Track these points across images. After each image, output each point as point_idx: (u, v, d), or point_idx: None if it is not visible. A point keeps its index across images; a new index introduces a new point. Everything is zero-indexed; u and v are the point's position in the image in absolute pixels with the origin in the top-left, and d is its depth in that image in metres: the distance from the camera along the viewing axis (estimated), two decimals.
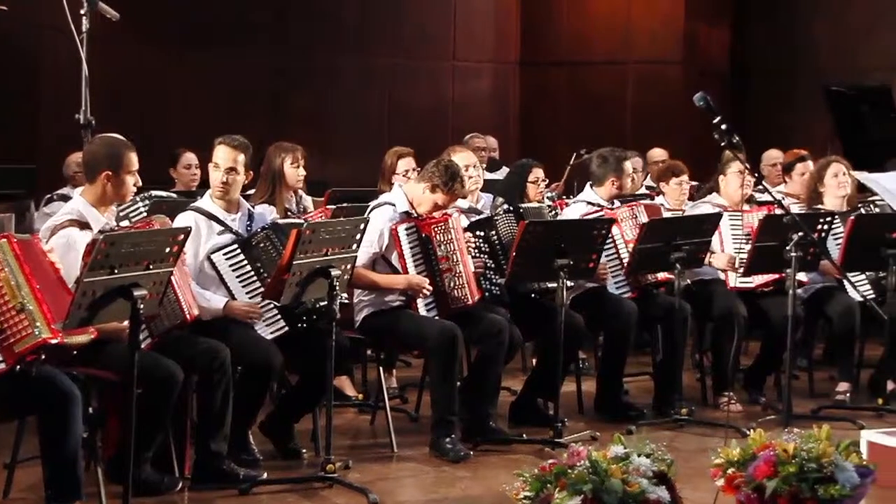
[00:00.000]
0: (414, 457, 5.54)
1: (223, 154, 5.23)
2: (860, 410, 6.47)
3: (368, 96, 11.53)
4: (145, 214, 5.56)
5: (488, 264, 5.97)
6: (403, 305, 5.62)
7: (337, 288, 4.85)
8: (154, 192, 6.09)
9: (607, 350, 6.55)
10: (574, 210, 6.63)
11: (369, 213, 5.64)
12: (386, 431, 5.69)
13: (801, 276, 6.57)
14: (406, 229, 5.58)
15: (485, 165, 8.17)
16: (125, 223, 5.10)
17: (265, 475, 4.96)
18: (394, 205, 5.67)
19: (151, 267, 4.07)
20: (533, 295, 6.18)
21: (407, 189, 5.77)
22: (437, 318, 5.59)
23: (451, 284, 5.61)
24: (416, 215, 5.66)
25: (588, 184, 6.71)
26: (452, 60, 11.83)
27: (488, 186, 6.91)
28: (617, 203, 6.61)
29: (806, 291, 6.74)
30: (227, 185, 5.21)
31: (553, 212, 6.91)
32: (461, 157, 6.19)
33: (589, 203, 6.56)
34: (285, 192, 6.34)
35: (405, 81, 11.73)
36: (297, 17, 11.26)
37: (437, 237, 5.60)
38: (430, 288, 5.55)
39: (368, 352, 6.71)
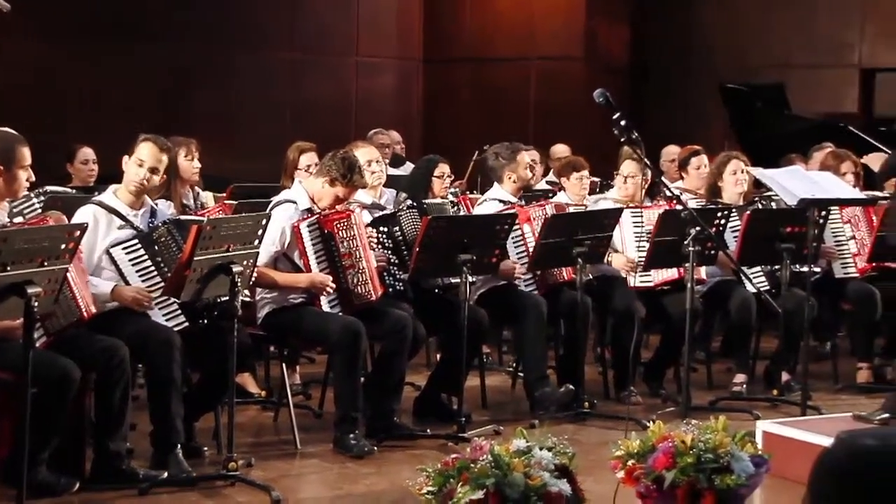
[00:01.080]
0: (317, 453, 5.50)
1: (149, 152, 5.15)
2: (756, 401, 6.61)
3: (271, 92, 11.44)
4: (40, 210, 5.45)
5: (391, 260, 5.97)
6: (306, 302, 5.59)
7: (238, 284, 4.80)
8: (49, 188, 5.97)
9: (518, 345, 6.61)
10: (486, 208, 6.66)
11: (270, 210, 5.59)
12: (289, 428, 5.65)
13: (702, 273, 6.71)
14: (308, 226, 5.54)
15: (388, 161, 8.17)
16: (19, 219, 4.98)
17: (165, 474, 4.88)
18: (295, 202, 5.62)
19: (46, 263, 3.98)
20: (437, 290, 6.19)
21: (306, 185, 5.74)
22: (340, 314, 5.56)
23: (355, 281, 5.59)
24: (318, 211, 5.62)
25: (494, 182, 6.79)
26: (356, 56, 11.80)
27: (392, 182, 6.90)
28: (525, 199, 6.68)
29: (704, 285, 6.86)
30: (146, 184, 5.15)
31: (456, 208, 6.93)
32: (363, 152, 6.18)
33: (500, 201, 6.61)
34: (181, 187, 6.26)
35: (308, 77, 11.66)
36: (198, 13, 11.13)
37: (340, 233, 5.57)
38: (334, 286, 5.52)
39: (271, 348, 6.66)
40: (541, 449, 3.67)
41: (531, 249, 6.38)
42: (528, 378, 6.41)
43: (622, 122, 5.40)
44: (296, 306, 5.59)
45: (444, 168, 6.77)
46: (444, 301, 6.12)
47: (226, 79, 11.26)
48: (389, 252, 5.96)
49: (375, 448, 5.46)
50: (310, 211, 5.62)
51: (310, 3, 11.63)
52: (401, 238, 6.02)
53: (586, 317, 6.37)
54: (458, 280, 5.72)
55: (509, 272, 6.34)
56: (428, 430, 5.78)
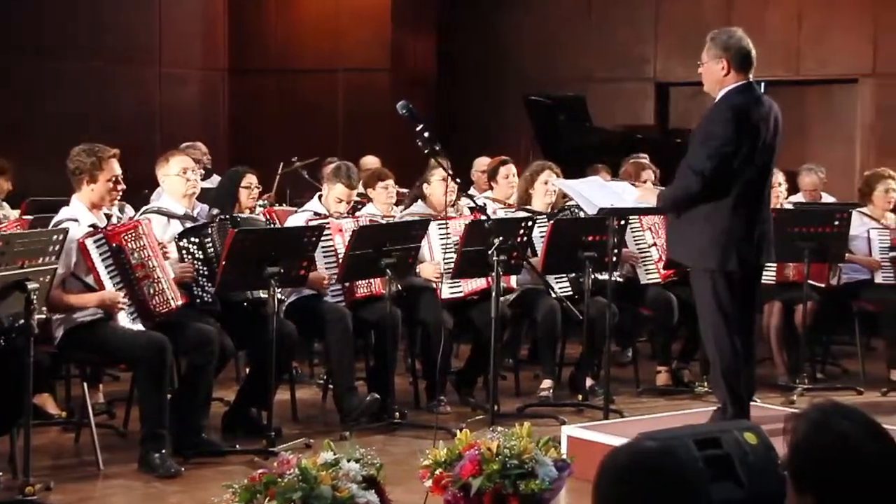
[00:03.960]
0: (122, 473, 5.35)
1: None
2: (562, 406, 6.77)
3: (72, 103, 11.07)
4: None
5: (201, 271, 5.86)
6: (104, 318, 5.43)
7: (35, 302, 4.63)
8: None
9: (326, 357, 6.59)
10: (296, 220, 6.65)
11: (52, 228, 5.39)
12: (92, 449, 5.48)
13: (512, 282, 6.84)
14: (95, 241, 5.35)
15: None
16: None
17: None
18: (76, 220, 5.43)
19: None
20: (245, 304, 6.11)
21: (80, 197, 5.55)
22: (143, 329, 5.43)
23: (150, 291, 5.45)
24: (102, 226, 5.46)
25: (318, 194, 6.78)
26: (159, 67, 11.54)
27: (199, 195, 6.79)
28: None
29: (513, 294, 6.98)
30: None
31: (267, 221, 6.87)
32: (177, 161, 6.07)
33: (315, 213, 6.62)
34: None
35: (110, 88, 11.34)
36: None
37: (129, 245, 5.41)
38: (126, 301, 5.37)
39: (73, 367, 6.44)
40: (348, 461, 3.67)
41: (340, 260, 6.40)
42: (336, 390, 6.40)
43: (426, 134, 5.46)
44: (94, 322, 5.42)
45: (250, 179, 6.69)
46: (252, 314, 6.05)
47: (24, 88, 10.86)
48: (200, 264, 5.85)
49: (182, 469, 5.34)
50: (94, 226, 5.44)
51: (112, 12, 11.32)
52: (212, 250, 5.92)
53: (395, 328, 6.41)
54: (267, 294, 5.67)
55: (319, 283, 6.32)
56: (237, 446, 5.70)
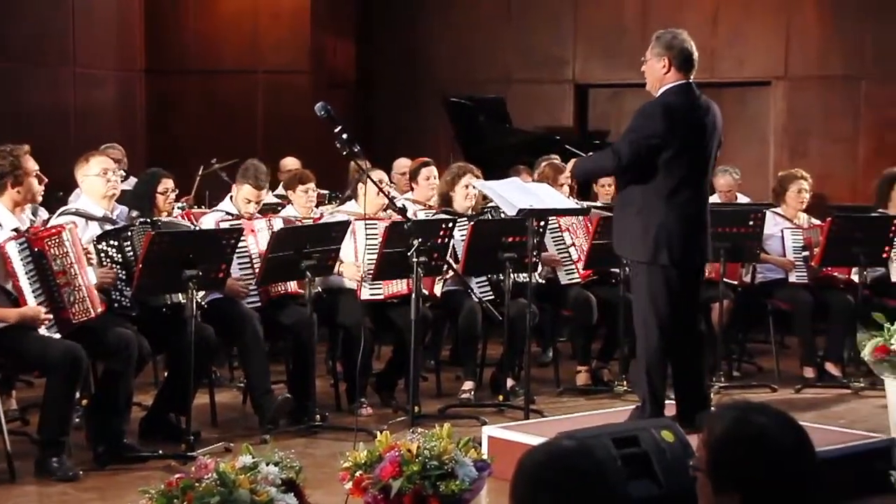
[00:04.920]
0: (36, 481, 5.26)
1: None
2: (483, 407, 6.79)
3: None
4: None
5: (120, 275, 5.77)
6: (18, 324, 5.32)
7: None
8: None
9: (241, 361, 6.55)
10: (209, 219, 6.60)
11: None
12: (4, 456, 5.37)
13: (436, 290, 6.86)
14: (18, 246, 5.27)
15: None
16: None
17: None
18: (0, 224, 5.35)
19: None
20: (164, 309, 6.03)
21: (2, 200, 5.44)
22: (59, 337, 5.34)
23: (71, 299, 5.37)
24: (25, 230, 5.37)
25: (229, 195, 6.73)
26: (73, 67, 11.34)
27: (119, 197, 6.70)
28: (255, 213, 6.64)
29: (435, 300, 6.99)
30: None
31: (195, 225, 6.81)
32: (97, 162, 5.99)
33: (227, 213, 6.57)
34: None
35: (24, 87, 11.11)
36: None
37: (52, 251, 5.32)
38: (50, 317, 5.29)
39: None
40: (267, 464, 3.64)
41: (255, 262, 6.35)
42: (252, 393, 6.37)
43: (344, 136, 5.45)
44: (9, 328, 5.31)
45: (167, 183, 6.59)
46: (170, 318, 5.98)
47: None
48: (118, 268, 5.76)
49: (80, 472, 5.27)
50: (16, 230, 5.35)
51: (23, 11, 11.09)
52: (131, 254, 5.82)
53: (313, 330, 6.37)
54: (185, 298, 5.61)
55: (236, 292, 6.29)
56: (160, 451, 5.64)
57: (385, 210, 6.85)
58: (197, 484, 3.49)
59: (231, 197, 6.76)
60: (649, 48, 5.49)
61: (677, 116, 5.32)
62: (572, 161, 5.79)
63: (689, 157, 5.35)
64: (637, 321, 5.49)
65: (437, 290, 6.93)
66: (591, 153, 5.76)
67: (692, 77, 5.46)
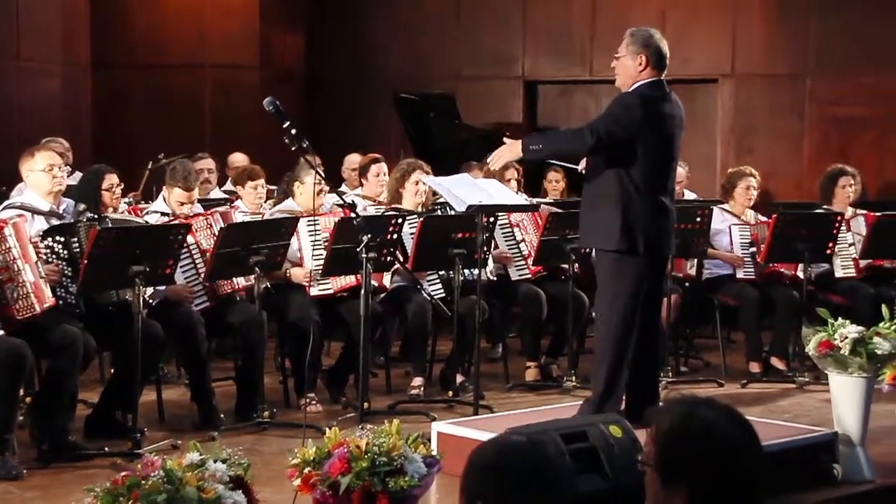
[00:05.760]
0: None
1: None
2: (433, 403, 6.79)
3: None
4: None
5: (66, 272, 5.69)
6: None
7: None
8: None
9: (184, 360, 6.52)
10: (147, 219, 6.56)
11: None
12: None
13: (385, 280, 6.84)
14: None
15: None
16: None
17: None
18: None
19: None
20: (111, 308, 5.97)
21: None
22: (3, 333, 5.27)
23: (14, 295, 5.29)
24: None
25: (161, 195, 6.69)
26: (17, 60, 11.18)
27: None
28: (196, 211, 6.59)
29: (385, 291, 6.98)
30: None
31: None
32: (44, 157, 5.89)
33: (161, 213, 6.54)
34: None
35: None
36: None
37: None
38: None
39: None
40: (215, 461, 3.61)
41: (196, 261, 6.31)
42: (194, 393, 6.34)
43: (293, 131, 5.42)
44: None
45: (112, 179, 6.52)
46: (117, 314, 5.92)
47: None
48: (65, 264, 5.69)
49: (25, 471, 5.20)
50: None
51: None
52: (78, 250, 5.75)
53: (262, 327, 6.34)
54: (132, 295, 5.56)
55: (181, 295, 6.25)
56: (106, 449, 5.58)
57: (321, 206, 6.85)
58: (143, 482, 3.45)
59: (164, 197, 6.70)
60: (623, 44, 5.50)
61: (654, 108, 5.37)
62: (517, 142, 5.65)
63: (664, 148, 5.42)
64: (601, 313, 5.49)
65: (387, 281, 6.91)
66: (547, 131, 5.73)
67: (664, 76, 5.51)
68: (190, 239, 6.27)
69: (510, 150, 5.59)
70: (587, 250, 6.76)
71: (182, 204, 6.53)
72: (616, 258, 5.38)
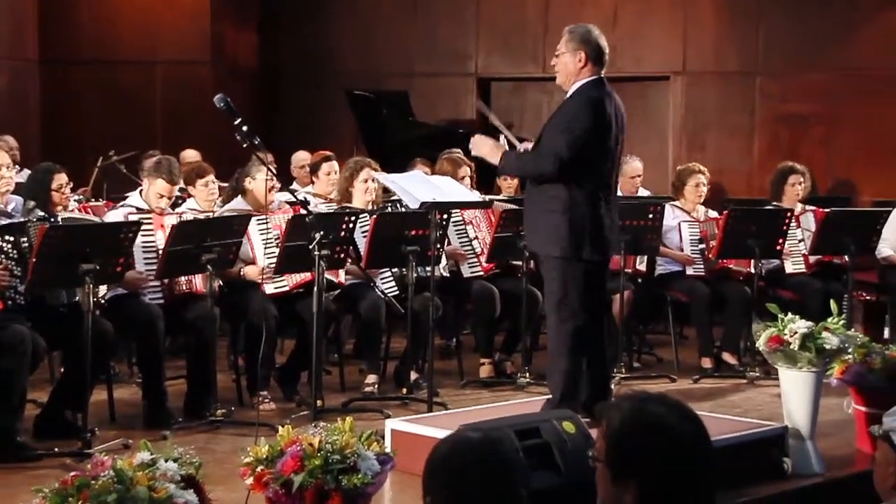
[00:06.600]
0: None
1: None
2: (387, 400, 6.77)
3: None
4: None
5: (15, 272, 5.62)
6: None
7: None
8: None
9: (140, 355, 6.46)
10: (114, 215, 6.50)
11: None
12: None
13: (340, 275, 6.83)
14: None
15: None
16: None
17: None
18: None
19: None
20: (61, 308, 5.91)
21: None
22: None
23: None
24: None
25: (139, 189, 6.63)
26: None
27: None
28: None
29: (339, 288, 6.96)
30: None
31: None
32: None
33: (136, 208, 6.48)
34: None
35: None
36: None
37: None
38: None
39: None
40: (166, 461, 3.58)
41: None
42: (146, 392, 6.29)
43: (244, 128, 5.40)
44: None
45: (61, 179, 6.38)
46: (67, 315, 5.86)
47: None
48: (13, 263, 5.62)
49: None
50: None
51: None
52: (28, 249, 5.68)
53: (214, 325, 6.30)
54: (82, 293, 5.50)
55: (134, 284, 6.18)
56: (56, 449, 5.52)
57: (271, 203, 6.81)
58: (93, 482, 3.42)
59: (141, 191, 6.65)
60: (563, 42, 5.50)
61: (600, 111, 5.36)
62: (499, 154, 5.65)
63: (610, 150, 5.42)
64: (550, 320, 5.51)
65: (342, 275, 6.90)
66: (519, 150, 5.71)
67: (604, 72, 5.51)
68: (159, 235, 6.22)
69: (491, 153, 5.63)
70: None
71: (161, 197, 6.47)
72: (562, 263, 5.39)
